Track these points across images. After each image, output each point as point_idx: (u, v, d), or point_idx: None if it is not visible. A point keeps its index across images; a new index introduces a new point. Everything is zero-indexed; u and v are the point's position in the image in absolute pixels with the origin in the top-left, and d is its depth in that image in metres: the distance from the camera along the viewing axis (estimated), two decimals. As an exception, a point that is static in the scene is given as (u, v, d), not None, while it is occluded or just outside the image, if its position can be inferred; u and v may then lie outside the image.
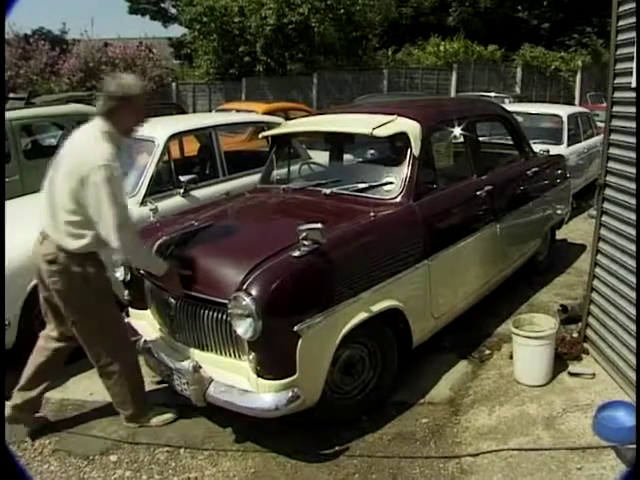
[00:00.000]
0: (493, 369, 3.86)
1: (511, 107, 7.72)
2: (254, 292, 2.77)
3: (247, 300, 2.75)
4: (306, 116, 5.32)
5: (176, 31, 38.71)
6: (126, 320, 3.71)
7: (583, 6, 21.86)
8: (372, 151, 5.12)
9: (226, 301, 2.87)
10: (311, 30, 19.45)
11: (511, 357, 3.78)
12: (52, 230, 2.99)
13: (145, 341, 3.49)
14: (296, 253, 2.91)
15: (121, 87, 2.93)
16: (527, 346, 3.57)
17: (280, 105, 11.06)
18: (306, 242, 2.89)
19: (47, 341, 3.27)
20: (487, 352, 4.07)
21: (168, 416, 3.39)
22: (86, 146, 2.90)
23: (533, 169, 5.05)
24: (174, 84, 21.67)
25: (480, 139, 4.83)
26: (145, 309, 3.70)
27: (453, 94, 19.49)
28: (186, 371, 3.04)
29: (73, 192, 2.88)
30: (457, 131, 4.36)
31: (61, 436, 3.31)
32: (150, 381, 3.84)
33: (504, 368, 3.84)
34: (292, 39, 20.04)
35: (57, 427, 3.40)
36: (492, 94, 14.95)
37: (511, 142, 5.36)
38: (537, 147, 5.69)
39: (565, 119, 7.83)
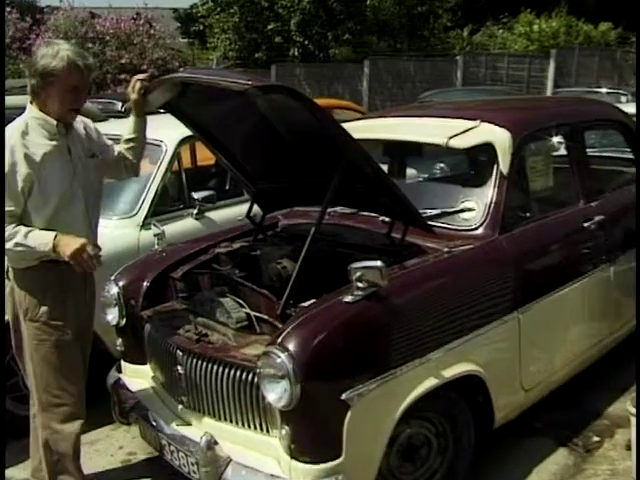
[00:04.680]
0: (604, 463, 3.85)
1: (630, 108, 7.70)
2: (291, 347, 2.82)
3: (282, 357, 2.80)
4: (358, 119, 5.43)
5: (184, 0, 39.64)
6: (117, 377, 3.84)
7: None
8: (445, 166, 5.21)
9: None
10: (362, 4, 19.77)
11: (629, 448, 3.75)
12: None
13: (141, 405, 3.58)
14: (348, 298, 2.96)
15: (41, 59, 3.10)
16: (651, 433, 3.56)
17: (322, 102, 11.17)
18: (361, 284, 2.94)
19: None
20: (595, 439, 4.06)
21: None
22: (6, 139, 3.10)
23: (660, 193, 5.05)
24: (181, 70, 22.13)
25: (589, 152, 4.86)
26: (143, 364, 3.81)
27: (550, 90, 19.48)
28: (197, 447, 3.10)
29: None
30: (559, 142, 4.40)
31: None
32: (145, 458, 3.94)
33: (619, 462, 3.82)
34: (337, 15, 20.39)
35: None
36: (603, 90, 14.94)
37: (630, 156, 5.37)
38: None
39: None
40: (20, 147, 3.08)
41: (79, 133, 3.38)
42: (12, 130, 3.13)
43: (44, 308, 3.23)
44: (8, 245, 3.08)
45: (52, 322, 3.26)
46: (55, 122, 3.19)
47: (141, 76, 3.43)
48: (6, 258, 3.25)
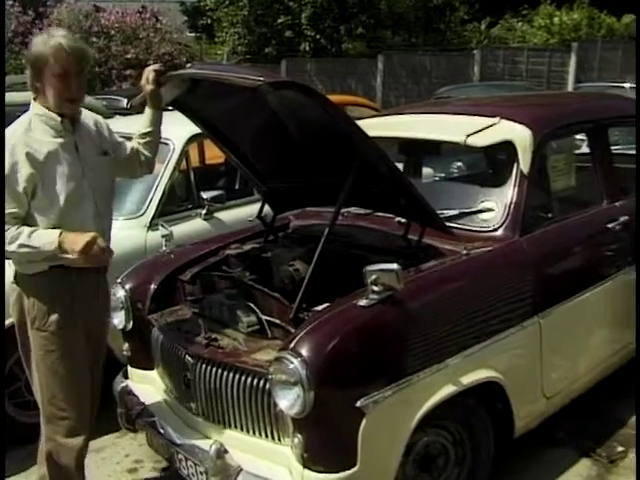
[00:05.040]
0: (629, 474, 3.83)
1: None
2: (305, 352, 2.82)
3: (295, 362, 2.81)
4: (373, 116, 5.43)
5: (192, -7, 39.64)
6: (124, 383, 3.85)
7: None
8: (462, 165, 5.20)
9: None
10: (376, -4, 19.79)
11: (654, 458, 3.75)
12: None
13: (148, 412, 3.59)
14: (362, 302, 2.96)
15: (33, 48, 3.08)
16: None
17: (335, 99, 11.18)
18: (376, 287, 2.94)
19: None
20: (619, 449, 4.04)
21: None
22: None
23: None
24: (189, 65, 22.17)
25: (613, 150, 4.84)
26: (150, 369, 3.82)
27: (571, 85, 19.41)
28: (206, 456, 3.10)
29: None
30: (581, 140, 4.38)
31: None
32: (152, 467, 3.95)
33: (644, 473, 3.80)
34: (350, 8, 20.38)
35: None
36: (627, 85, 14.81)
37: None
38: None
39: None
40: (22, 146, 3.04)
41: (89, 130, 3.32)
42: (14, 128, 3.10)
43: (53, 317, 3.17)
44: (12, 247, 3.01)
45: (61, 332, 3.20)
46: (59, 118, 3.14)
47: (155, 67, 3.40)
48: (11, 262, 3.21)
